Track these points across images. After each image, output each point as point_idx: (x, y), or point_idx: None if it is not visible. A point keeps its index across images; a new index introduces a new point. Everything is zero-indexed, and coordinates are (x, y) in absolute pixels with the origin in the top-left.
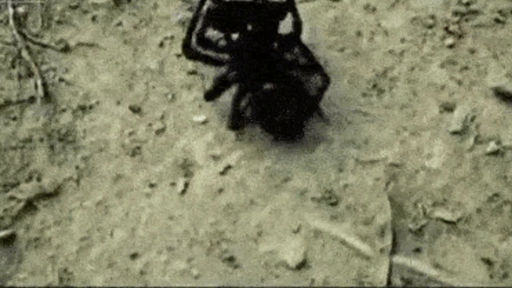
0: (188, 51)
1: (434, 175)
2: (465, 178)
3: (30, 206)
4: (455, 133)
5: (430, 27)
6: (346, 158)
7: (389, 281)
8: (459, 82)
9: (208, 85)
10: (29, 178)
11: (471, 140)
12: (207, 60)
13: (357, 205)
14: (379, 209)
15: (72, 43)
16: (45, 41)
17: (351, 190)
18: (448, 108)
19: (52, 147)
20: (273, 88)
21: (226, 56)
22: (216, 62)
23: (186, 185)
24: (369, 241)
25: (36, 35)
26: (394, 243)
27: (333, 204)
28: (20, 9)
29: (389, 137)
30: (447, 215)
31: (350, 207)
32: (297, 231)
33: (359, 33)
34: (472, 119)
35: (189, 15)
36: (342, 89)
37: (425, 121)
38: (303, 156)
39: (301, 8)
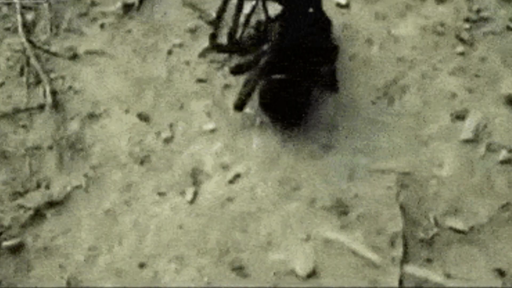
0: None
1: (446, 184)
2: (477, 186)
3: (38, 214)
4: (466, 141)
5: (441, 34)
6: (357, 167)
7: None
8: (470, 90)
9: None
10: (38, 186)
11: (482, 149)
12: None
13: (368, 214)
14: (390, 218)
15: (80, 51)
16: (54, 49)
17: (361, 199)
18: (459, 116)
19: (60, 155)
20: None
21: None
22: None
23: (195, 194)
24: (380, 250)
25: (45, 43)
26: (405, 252)
27: (344, 213)
28: (29, 17)
29: (400, 146)
30: (458, 225)
31: (360, 217)
32: (307, 240)
33: (369, 41)
34: (484, 127)
35: (198, 22)
36: (353, 97)
37: (436, 129)
38: (313, 165)
39: None
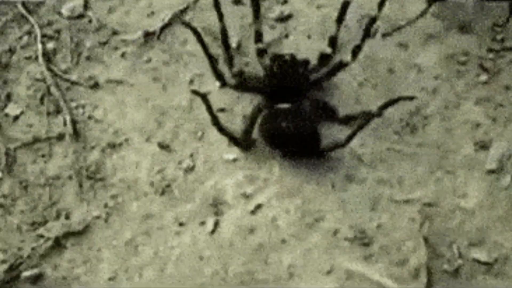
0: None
1: (470, 215)
2: (502, 218)
3: (58, 244)
4: (490, 171)
5: (464, 64)
6: (380, 198)
7: None
8: (494, 120)
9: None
10: (57, 216)
11: (507, 179)
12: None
13: (391, 245)
14: (414, 250)
15: (101, 79)
16: (74, 77)
17: (384, 230)
18: (483, 146)
19: (80, 185)
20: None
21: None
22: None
23: (216, 224)
24: (404, 282)
25: (66, 72)
26: (429, 285)
27: (366, 245)
28: (50, 46)
29: (423, 176)
30: (483, 256)
31: (383, 248)
32: (329, 272)
33: (391, 70)
34: (508, 157)
35: (219, 51)
36: (375, 127)
37: (459, 159)
38: (335, 195)
39: None
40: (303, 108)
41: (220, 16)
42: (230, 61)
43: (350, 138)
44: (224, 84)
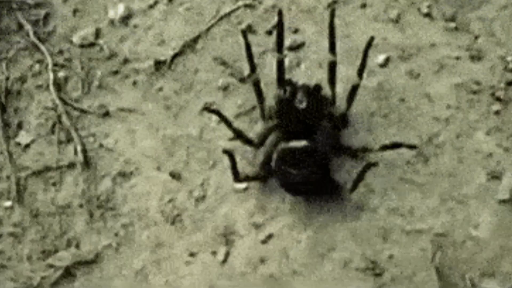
0: None
1: (482, 245)
2: None
3: (68, 274)
4: (503, 201)
5: (476, 93)
6: (391, 227)
7: None
8: (507, 150)
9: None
10: (68, 245)
11: None
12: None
13: (403, 276)
14: (425, 280)
15: (112, 108)
16: (85, 106)
17: (396, 260)
18: (495, 176)
19: (91, 214)
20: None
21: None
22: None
23: (227, 254)
24: None
25: (76, 100)
26: None
27: (378, 275)
28: (61, 74)
29: (435, 206)
30: (495, 287)
31: (395, 279)
32: None
33: (403, 100)
34: None
35: (230, 80)
36: (387, 157)
37: (472, 189)
38: (346, 225)
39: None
40: (318, 147)
41: (253, 67)
42: (263, 113)
43: (354, 187)
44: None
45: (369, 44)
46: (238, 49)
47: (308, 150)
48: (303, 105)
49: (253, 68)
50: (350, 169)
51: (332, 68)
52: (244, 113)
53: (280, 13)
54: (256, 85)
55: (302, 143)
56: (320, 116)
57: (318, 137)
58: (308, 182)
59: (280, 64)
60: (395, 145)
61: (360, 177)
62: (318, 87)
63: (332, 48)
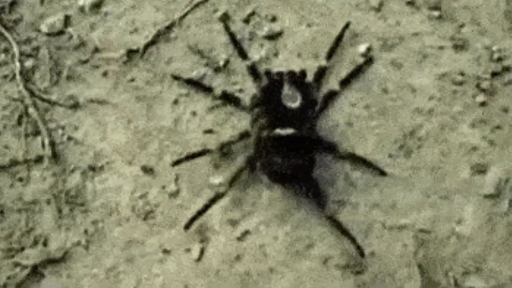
0: None
1: (466, 242)
2: (499, 244)
3: (35, 272)
4: (488, 196)
5: (460, 84)
6: (372, 223)
7: None
8: (492, 143)
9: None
10: (35, 243)
11: (505, 204)
12: None
13: (384, 273)
14: (408, 278)
15: (81, 99)
16: (54, 97)
17: (377, 257)
18: (480, 170)
19: (59, 210)
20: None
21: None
22: None
23: (202, 251)
24: None
25: (44, 91)
26: None
27: (359, 273)
28: (28, 64)
29: (417, 201)
30: (479, 285)
31: (376, 276)
32: None
33: (385, 90)
34: (506, 181)
35: (205, 70)
36: (369, 150)
37: (455, 184)
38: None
39: None
40: (304, 135)
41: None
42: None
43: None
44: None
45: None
46: (214, 38)
47: (295, 138)
48: (290, 92)
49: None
50: (328, 164)
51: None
52: (220, 106)
53: (224, 20)
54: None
55: (289, 131)
56: (306, 104)
57: (304, 125)
58: (295, 171)
59: (251, 68)
60: (365, 163)
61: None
62: (303, 73)
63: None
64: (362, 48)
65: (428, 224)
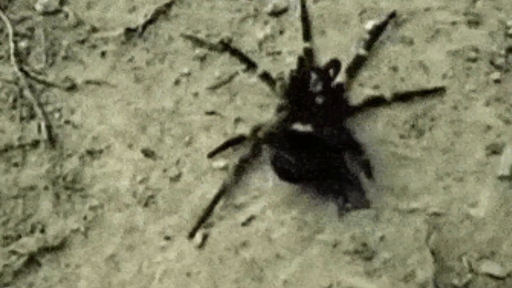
0: None
1: (481, 225)
2: None
3: (32, 261)
4: (503, 178)
5: (474, 61)
6: (383, 207)
7: None
8: (507, 121)
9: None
10: (32, 230)
11: None
12: None
13: (395, 259)
14: (420, 263)
15: (79, 81)
16: (50, 79)
17: (388, 242)
18: (495, 150)
19: (57, 196)
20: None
21: None
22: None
23: (205, 237)
24: None
25: (40, 73)
26: None
27: (369, 258)
28: (23, 44)
29: (430, 183)
30: (495, 270)
31: (387, 262)
32: None
33: (394, 69)
34: None
35: (207, 50)
36: (378, 131)
37: (469, 165)
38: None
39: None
40: (324, 136)
41: (252, 64)
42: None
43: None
44: None
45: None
46: (216, 15)
47: (313, 138)
48: (318, 88)
49: (252, 64)
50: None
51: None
52: (223, 84)
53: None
54: (266, 76)
55: (306, 127)
56: (333, 102)
57: (326, 125)
58: (305, 174)
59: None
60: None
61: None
62: (337, 64)
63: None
64: (369, 24)
65: (441, 207)
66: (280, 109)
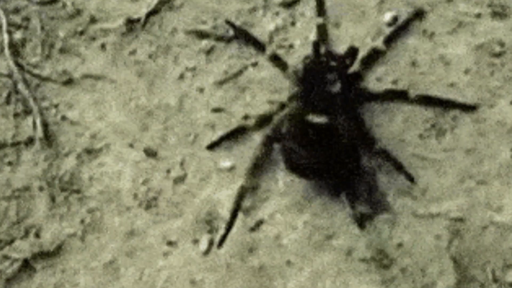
0: None
1: (506, 232)
2: None
3: (27, 267)
4: None
5: (499, 55)
6: (401, 211)
7: None
8: None
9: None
10: (26, 234)
11: None
12: None
13: (414, 267)
14: (441, 272)
15: (77, 75)
16: (46, 72)
17: (406, 249)
18: None
19: (53, 198)
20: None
21: None
22: None
23: (211, 243)
24: None
25: (35, 66)
26: None
27: (386, 267)
28: (17, 36)
29: (451, 186)
30: None
31: (405, 270)
32: None
33: (414, 63)
34: None
35: (214, 42)
36: (396, 130)
37: (494, 167)
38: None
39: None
40: (340, 128)
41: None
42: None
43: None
44: None
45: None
46: (224, 4)
47: (326, 129)
48: (333, 76)
49: (260, 45)
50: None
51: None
52: (230, 79)
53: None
54: (276, 58)
55: (322, 118)
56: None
57: (342, 117)
58: (318, 168)
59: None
60: (398, 166)
61: None
62: (353, 52)
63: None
64: (388, 16)
65: (463, 212)
66: (291, 98)
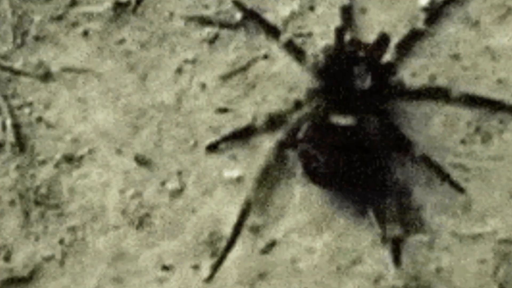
0: None
1: None
2: None
3: None
4: None
5: None
6: (440, 231)
7: None
8: None
9: None
10: None
11: None
12: None
13: None
14: None
15: (55, 68)
16: (18, 65)
17: (445, 275)
18: None
19: (26, 214)
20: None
21: None
22: None
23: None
24: None
25: (5, 57)
26: None
27: None
28: None
29: (499, 202)
30: None
31: None
32: None
33: (455, 56)
34: None
35: (218, 30)
36: (435, 134)
37: None
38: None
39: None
40: (367, 130)
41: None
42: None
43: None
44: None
45: None
46: None
47: (353, 132)
48: (360, 70)
49: (274, 30)
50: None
51: None
52: (237, 73)
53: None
54: (291, 45)
55: (348, 119)
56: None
57: (372, 117)
58: (341, 178)
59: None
60: (443, 174)
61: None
62: (385, 39)
63: None
64: (424, 1)
65: None
66: (310, 95)
